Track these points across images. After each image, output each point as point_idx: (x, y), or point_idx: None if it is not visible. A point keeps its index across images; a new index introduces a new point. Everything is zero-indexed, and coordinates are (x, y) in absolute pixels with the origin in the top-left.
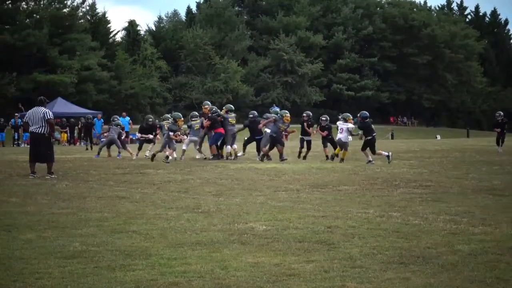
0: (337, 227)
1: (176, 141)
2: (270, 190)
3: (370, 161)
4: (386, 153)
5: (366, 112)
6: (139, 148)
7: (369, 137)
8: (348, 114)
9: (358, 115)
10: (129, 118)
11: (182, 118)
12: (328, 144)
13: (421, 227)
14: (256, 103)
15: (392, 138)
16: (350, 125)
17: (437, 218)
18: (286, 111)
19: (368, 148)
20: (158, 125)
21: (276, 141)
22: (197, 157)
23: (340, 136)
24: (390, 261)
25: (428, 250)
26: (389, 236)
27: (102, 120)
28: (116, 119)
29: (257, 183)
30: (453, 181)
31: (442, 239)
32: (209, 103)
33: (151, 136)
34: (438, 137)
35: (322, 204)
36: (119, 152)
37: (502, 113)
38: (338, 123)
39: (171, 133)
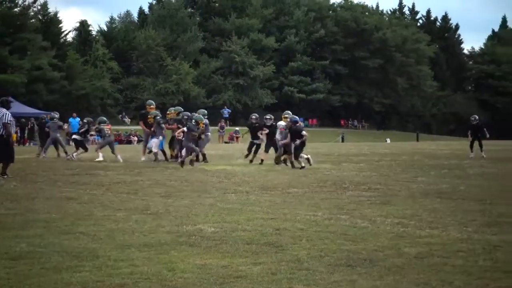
0: (286, 230)
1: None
2: (219, 192)
3: (303, 167)
4: (304, 161)
5: (296, 117)
6: (77, 148)
7: (298, 142)
8: (287, 112)
9: (289, 119)
10: (79, 119)
11: (204, 121)
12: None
13: (369, 229)
14: (208, 104)
15: (343, 141)
16: (282, 123)
17: (385, 221)
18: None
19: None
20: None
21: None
22: (142, 158)
23: (277, 136)
24: (337, 263)
25: (375, 252)
26: (337, 238)
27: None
28: (54, 117)
29: (206, 185)
30: (401, 184)
31: (389, 242)
32: (153, 102)
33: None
34: (388, 140)
35: (271, 206)
36: (66, 153)
37: (477, 117)
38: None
39: (193, 133)
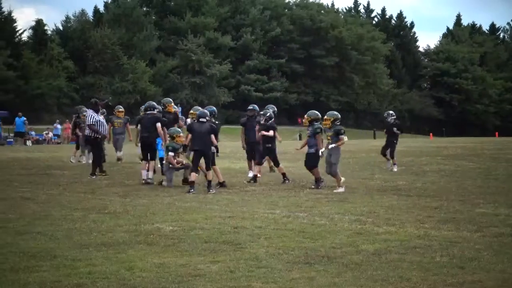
0: (244, 228)
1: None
2: (177, 191)
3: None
4: None
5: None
6: (77, 148)
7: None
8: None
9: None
10: (24, 118)
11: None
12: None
13: (327, 227)
14: None
15: (300, 139)
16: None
17: (343, 218)
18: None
19: None
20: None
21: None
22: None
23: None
24: (296, 261)
25: (333, 249)
26: (295, 236)
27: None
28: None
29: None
30: (359, 182)
31: (347, 239)
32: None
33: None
34: (345, 138)
35: (229, 205)
36: None
37: (393, 113)
38: None
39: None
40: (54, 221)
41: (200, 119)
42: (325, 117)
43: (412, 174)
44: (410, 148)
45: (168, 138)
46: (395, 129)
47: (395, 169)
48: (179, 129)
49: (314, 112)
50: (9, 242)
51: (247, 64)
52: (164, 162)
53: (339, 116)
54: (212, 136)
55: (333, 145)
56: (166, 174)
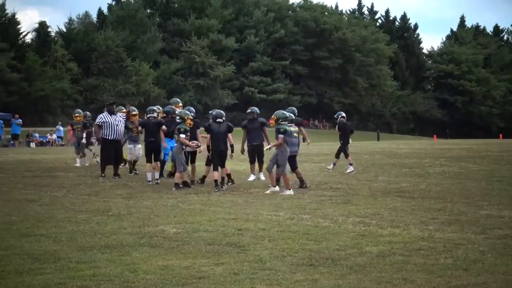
0: (248, 230)
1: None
2: (181, 193)
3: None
4: None
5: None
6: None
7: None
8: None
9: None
10: (20, 120)
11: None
12: None
13: (331, 229)
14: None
15: (304, 141)
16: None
17: (347, 220)
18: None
19: None
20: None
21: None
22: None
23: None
24: (300, 263)
25: (337, 252)
26: (299, 238)
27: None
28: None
29: (167, 186)
30: (363, 184)
31: (351, 241)
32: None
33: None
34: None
35: (233, 207)
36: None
37: (340, 113)
38: None
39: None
40: (58, 223)
41: (217, 120)
42: (272, 116)
43: (416, 176)
44: (414, 150)
45: (179, 120)
46: (336, 128)
47: (329, 167)
48: (188, 112)
49: (280, 111)
50: (13, 244)
51: (250, 66)
52: (175, 143)
53: (286, 115)
54: (229, 135)
55: (269, 147)
56: (177, 156)
